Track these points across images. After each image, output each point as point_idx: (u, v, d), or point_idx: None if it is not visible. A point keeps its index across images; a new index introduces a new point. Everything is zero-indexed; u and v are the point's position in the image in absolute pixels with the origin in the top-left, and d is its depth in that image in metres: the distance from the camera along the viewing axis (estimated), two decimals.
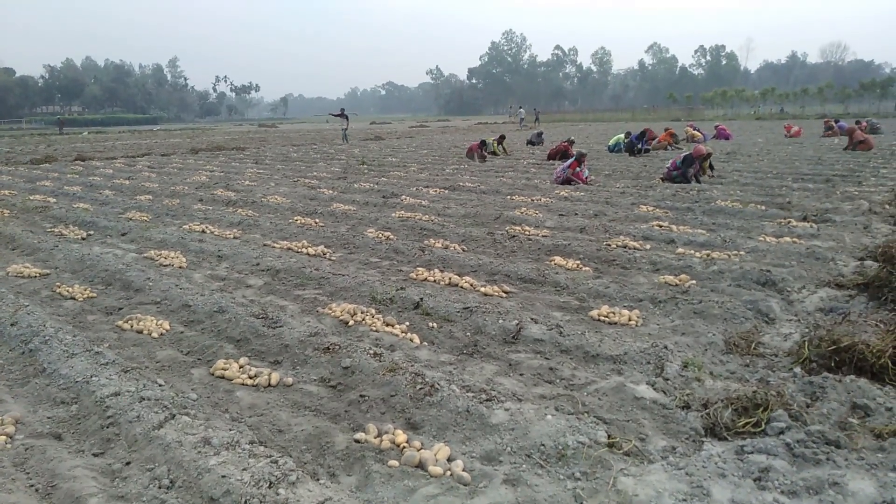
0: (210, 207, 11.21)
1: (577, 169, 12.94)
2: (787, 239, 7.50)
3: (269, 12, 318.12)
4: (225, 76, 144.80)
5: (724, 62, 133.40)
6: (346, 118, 30.48)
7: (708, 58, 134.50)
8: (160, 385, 3.88)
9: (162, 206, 11.40)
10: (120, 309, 5.68)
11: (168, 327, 5.09)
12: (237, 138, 38.45)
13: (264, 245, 8.08)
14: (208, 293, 5.76)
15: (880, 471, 2.83)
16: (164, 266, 7.14)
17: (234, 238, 8.61)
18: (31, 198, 12.69)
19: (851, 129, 19.80)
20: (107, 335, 5.01)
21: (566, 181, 12.84)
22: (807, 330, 4.74)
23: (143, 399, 3.57)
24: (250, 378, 4.10)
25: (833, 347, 4.04)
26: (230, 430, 3.34)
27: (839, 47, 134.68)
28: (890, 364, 3.81)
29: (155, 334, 4.96)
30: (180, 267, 7.10)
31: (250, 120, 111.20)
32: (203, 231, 9.05)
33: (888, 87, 60.01)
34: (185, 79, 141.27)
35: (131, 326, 5.14)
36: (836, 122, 26.35)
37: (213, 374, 4.23)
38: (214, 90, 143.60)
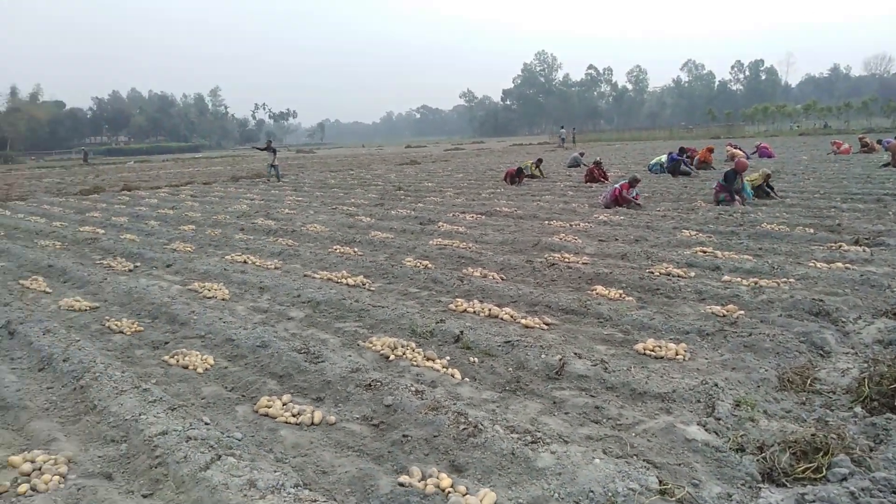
0: (251, 237, 11.43)
1: (631, 191, 12.78)
2: (839, 264, 7.23)
3: (307, 43, 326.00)
4: (263, 103, 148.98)
5: (763, 77, 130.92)
6: (274, 151, 25.18)
7: (746, 73, 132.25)
8: (206, 423, 3.92)
9: (205, 236, 11.67)
10: (166, 343, 5.79)
11: (212, 362, 5.17)
12: None
13: (305, 276, 8.17)
14: (251, 327, 5.84)
15: None
16: (208, 298, 7.28)
17: (276, 269, 8.74)
18: (81, 229, 13.15)
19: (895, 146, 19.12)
20: (154, 370, 5.11)
21: (617, 203, 12.66)
22: (865, 365, 4.54)
23: (190, 439, 3.60)
24: (293, 416, 4.12)
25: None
26: (275, 471, 3.34)
27: (884, 59, 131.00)
28: None
29: (200, 370, 5.03)
30: (223, 299, 7.22)
31: (288, 145, 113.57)
32: (245, 262, 9.22)
33: None
34: (226, 107, 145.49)
35: (177, 361, 5.23)
36: (878, 141, 25.57)
37: (256, 412, 4.25)
38: (254, 117, 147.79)
